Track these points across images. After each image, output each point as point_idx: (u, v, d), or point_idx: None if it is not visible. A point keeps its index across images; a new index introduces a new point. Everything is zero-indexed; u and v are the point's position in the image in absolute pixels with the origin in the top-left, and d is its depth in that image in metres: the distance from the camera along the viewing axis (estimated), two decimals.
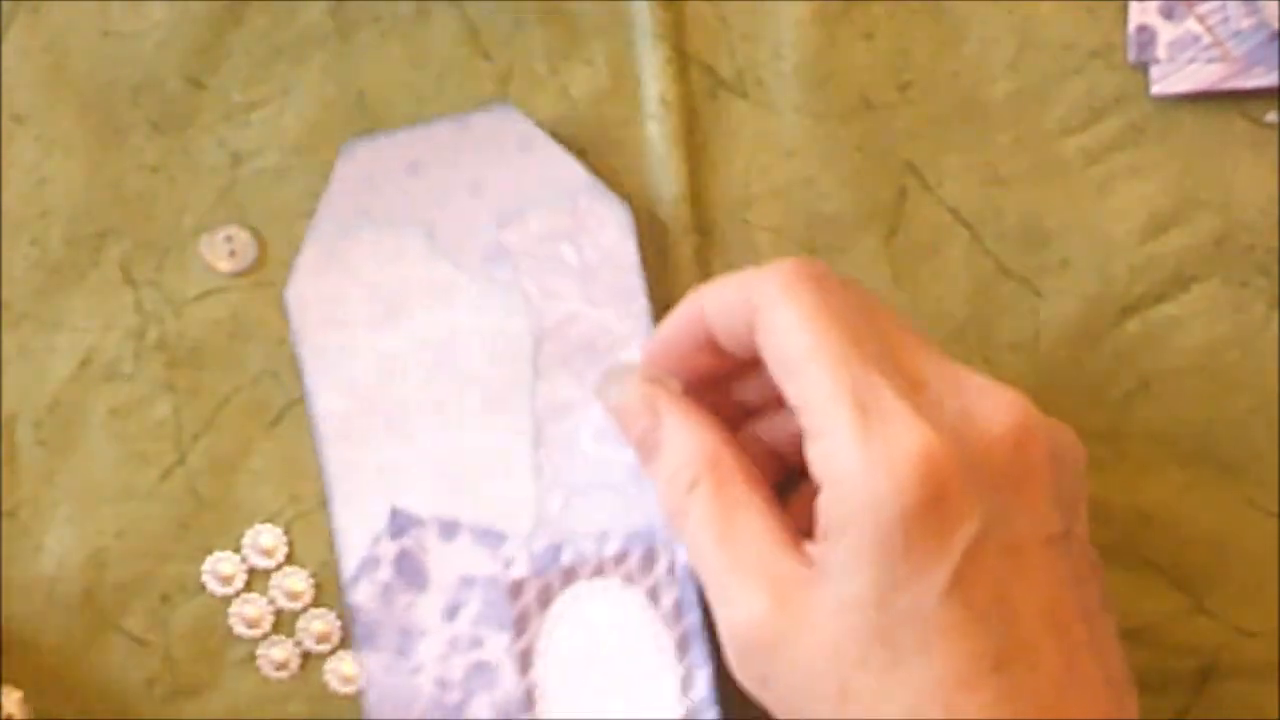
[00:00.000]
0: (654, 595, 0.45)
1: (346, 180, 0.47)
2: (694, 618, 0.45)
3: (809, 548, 0.39)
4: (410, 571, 0.46)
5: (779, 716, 0.39)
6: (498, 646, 0.45)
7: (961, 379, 0.39)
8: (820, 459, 0.38)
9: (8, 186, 0.48)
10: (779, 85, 0.48)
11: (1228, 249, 0.47)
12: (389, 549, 0.46)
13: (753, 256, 0.47)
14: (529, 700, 0.45)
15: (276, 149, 0.48)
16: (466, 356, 0.46)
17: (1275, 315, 0.47)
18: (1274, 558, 0.46)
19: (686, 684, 0.45)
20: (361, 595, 0.46)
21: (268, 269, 0.48)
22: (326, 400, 0.46)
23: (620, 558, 0.45)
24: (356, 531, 0.46)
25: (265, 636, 0.47)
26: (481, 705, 0.45)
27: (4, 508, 0.47)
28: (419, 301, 0.46)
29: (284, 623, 0.47)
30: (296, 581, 0.47)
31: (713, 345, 0.42)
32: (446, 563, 0.46)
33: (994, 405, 0.38)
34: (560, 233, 0.46)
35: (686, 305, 0.42)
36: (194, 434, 0.48)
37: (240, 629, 0.47)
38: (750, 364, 0.41)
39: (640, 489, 0.45)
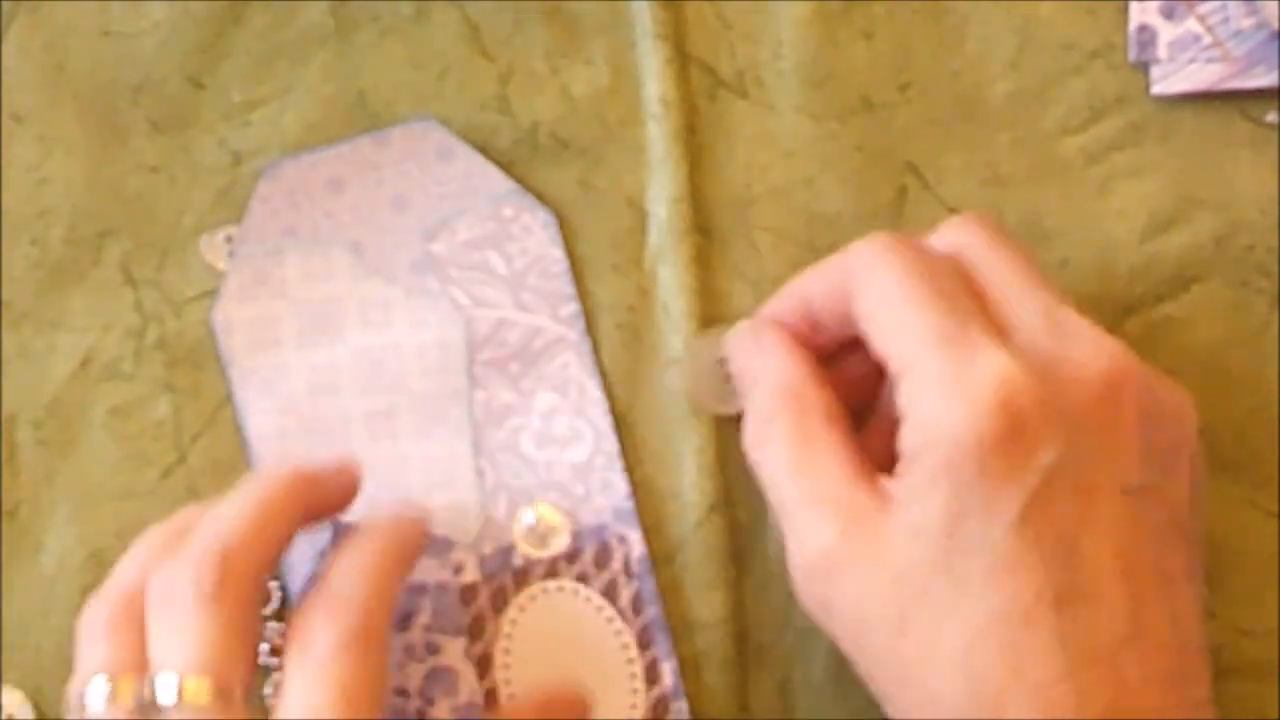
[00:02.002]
0: (611, 592, 0.45)
1: (269, 200, 0.47)
2: (654, 610, 0.45)
3: (884, 482, 0.39)
4: None
5: (841, 644, 0.40)
6: (454, 652, 0.45)
7: (1068, 326, 0.39)
8: (906, 395, 0.38)
9: (8, 186, 0.48)
10: (779, 85, 0.48)
11: (1228, 249, 0.47)
12: None
13: (753, 256, 0.47)
14: (491, 700, 0.45)
15: (276, 149, 0.48)
16: (401, 369, 0.46)
17: (1275, 315, 0.47)
18: (1274, 558, 0.46)
19: (651, 676, 0.45)
20: None
21: None
22: (259, 421, 0.46)
23: (572, 556, 0.45)
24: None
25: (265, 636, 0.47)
26: (443, 710, 0.45)
27: (4, 508, 0.47)
28: (350, 318, 0.46)
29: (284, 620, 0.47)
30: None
31: (811, 328, 0.43)
32: None
33: (1091, 351, 0.38)
34: (487, 241, 0.47)
35: (790, 286, 0.43)
36: (194, 434, 0.48)
37: None
38: (845, 345, 0.43)
39: (587, 488, 0.46)
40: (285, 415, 0.46)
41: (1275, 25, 0.46)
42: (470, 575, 0.46)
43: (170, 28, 0.48)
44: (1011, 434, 0.37)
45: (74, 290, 0.48)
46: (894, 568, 0.38)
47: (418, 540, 0.43)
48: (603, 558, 0.45)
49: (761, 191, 0.47)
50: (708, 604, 0.46)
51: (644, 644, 0.45)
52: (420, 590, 0.45)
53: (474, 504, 0.46)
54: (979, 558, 0.37)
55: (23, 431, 0.48)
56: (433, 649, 0.45)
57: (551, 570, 0.45)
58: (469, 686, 0.45)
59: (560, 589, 0.45)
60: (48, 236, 0.48)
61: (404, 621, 0.45)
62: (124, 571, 0.41)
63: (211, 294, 0.48)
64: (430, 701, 0.45)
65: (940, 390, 0.38)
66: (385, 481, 0.46)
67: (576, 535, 0.45)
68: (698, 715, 0.46)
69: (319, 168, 0.47)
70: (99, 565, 0.47)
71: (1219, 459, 0.46)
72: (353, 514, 0.44)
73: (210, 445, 0.47)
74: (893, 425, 0.39)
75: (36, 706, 0.47)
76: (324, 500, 0.43)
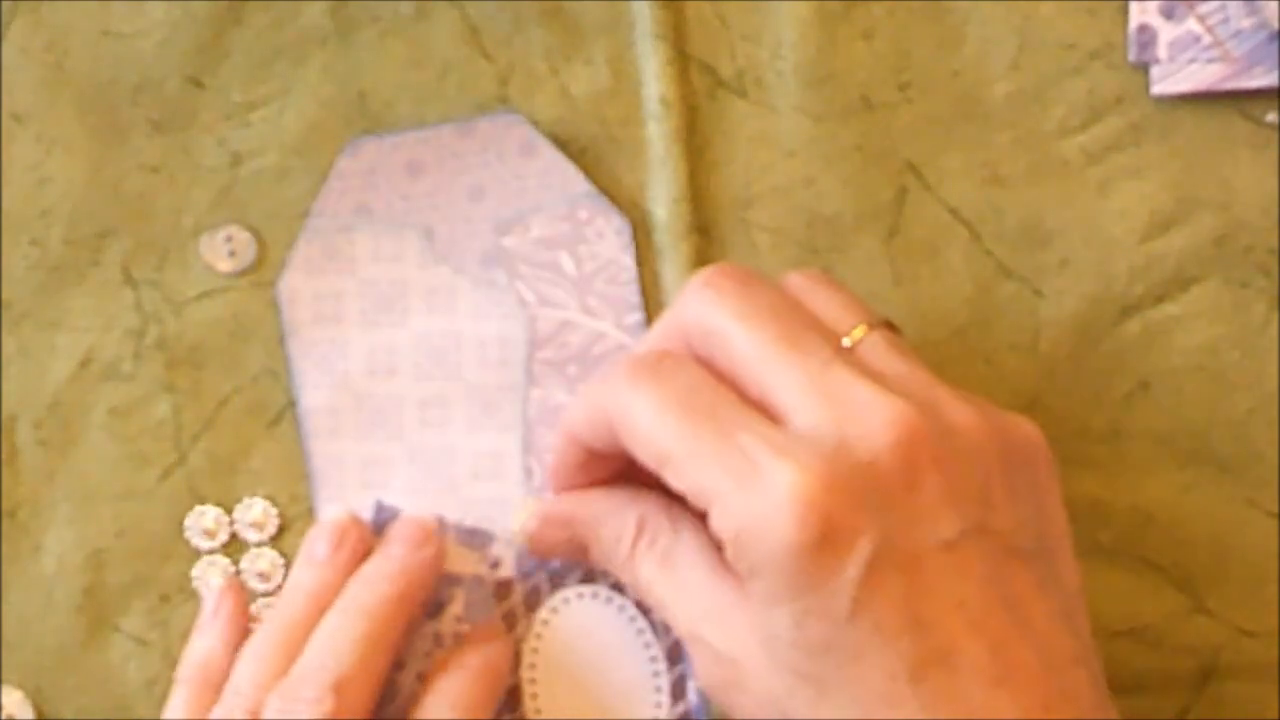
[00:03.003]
0: (643, 604, 0.45)
1: (346, 177, 0.47)
2: None
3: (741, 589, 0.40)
4: None
5: None
6: None
7: (840, 393, 0.38)
8: (717, 527, 0.39)
9: (8, 186, 0.48)
10: (779, 85, 0.48)
11: (1228, 249, 0.47)
12: (373, 544, 0.45)
13: (753, 256, 0.47)
14: (515, 699, 0.45)
15: (276, 149, 0.48)
16: (460, 358, 0.46)
17: (1275, 315, 0.47)
18: (1274, 558, 0.46)
19: (677, 691, 0.45)
20: None
21: (267, 269, 0.48)
22: (314, 395, 0.46)
23: None
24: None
25: None
26: None
27: (4, 508, 0.47)
28: (415, 302, 0.46)
29: None
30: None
31: (599, 458, 0.43)
32: None
33: (874, 420, 0.38)
34: (559, 241, 0.46)
35: (559, 435, 0.44)
36: (194, 434, 0.48)
37: None
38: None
39: None
40: (340, 391, 0.46)
41: (1275, 25, 0.46)
42: (507, 571, 0.45)
43: (170, 28, 0.48)
44: (822, 539, 0.37)
45: (74, 290, 0.48)
46: (765, 676, 0.38)
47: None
48: None
49: (761, 191, 0.47)
50: None
51: (674, 659, 0.45)
52: (455, 580, 0.45)
53: (519, 501, 0.46)
54: (829, 657, 0.37)
55: (23, 431, 0.48)
56: (462, 640, 0.45)
57: (588, 576, 0.45)
58: None
59: (595, 595, 0.45)
60: (48, 236, 0.48)
61: (435, 610, 0.45)
62: (239, 685, 0.43)
63: (212, 294, 0.48)
64: None
65: (743, 516, 0.38)
66: (431, 468, 0.46)
67: None
68: (696, 715, 0.46)
69: (400, 150, 0.47)
70: (99, 565, 0.47)
71: (1219, 459, 0.46)
72: (398, 496, 0.45)
73: (210, 445, 0.47)
74: None
75: (36, 706, 0.47)
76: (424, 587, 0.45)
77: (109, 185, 0.48)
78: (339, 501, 0.46)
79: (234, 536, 0.47)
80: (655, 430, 0.40)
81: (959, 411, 0.39)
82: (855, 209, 0.47)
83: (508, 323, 0.46)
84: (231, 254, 0.48)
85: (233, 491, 0.47)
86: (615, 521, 0.43)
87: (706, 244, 0.47)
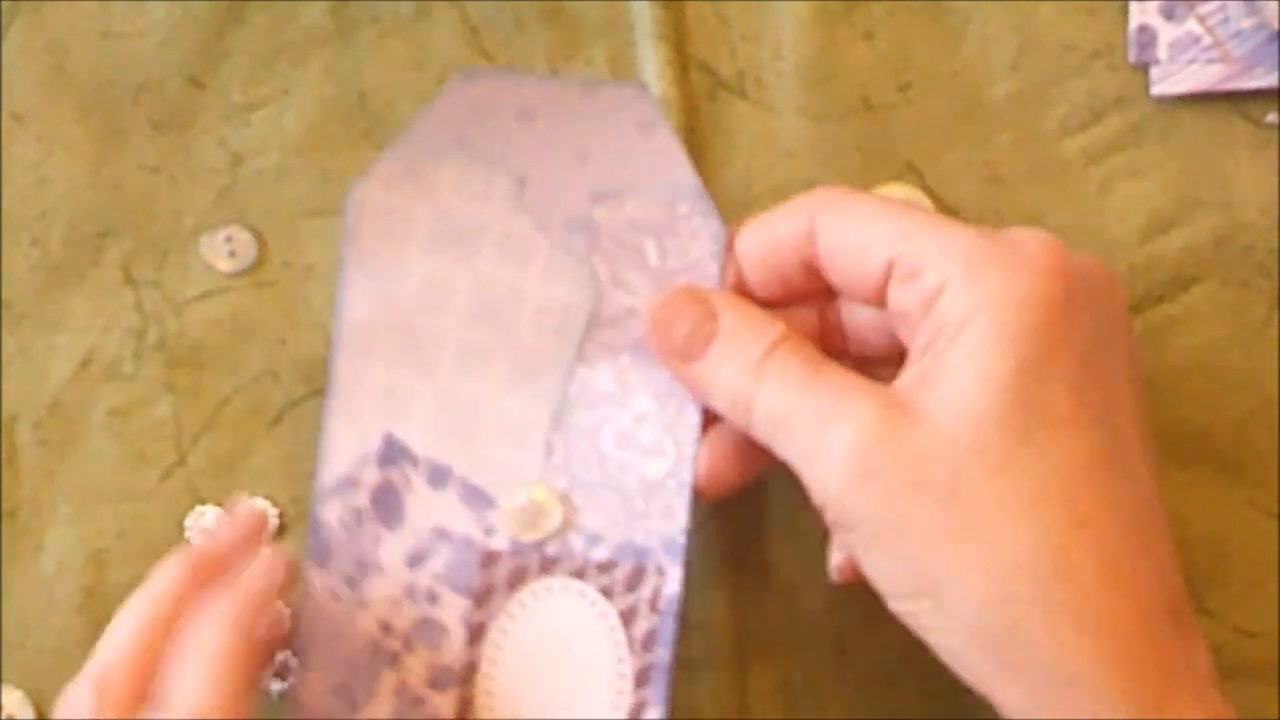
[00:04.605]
0: (629, 617, 0.43)
1: (452, 105, 0.44)
2: (663, 653, 0.43)
3: (910, 373, 0.39)
4: (387, 506, 0.44)
5: (877, 526, 0.38)
6: (453, 610, 0.44)
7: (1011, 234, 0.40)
8: (943, 270, 0.39)
9: (8, 186, 0.48)
10: (779, 85, 0.48)
11: (1228, 249, 0.47)
12: (372, 475, 0.44)
13: None
14: (469, 674, 0.43)
15: (276, 149, 0.48)
16: (516, 315, 0.44)
17: (1275, 315, 0.47)
18: (1274, 558, 0.46)
19: (634, 716, 0.43)
20: (330, 513, 0.44)
21: (268, 269, 0.48)
22: (356, 307, 0.44)
23: (606, 566, 0.44)
24: (345, 446, 0.44)
25: None
26: (419, 662, 0.43)
27: (4, 508, 0.47)
28: (487, 245, 0.44)
29: None
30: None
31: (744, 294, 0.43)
32: (426, 509, 0.44)
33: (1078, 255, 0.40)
34: (650, 227, 0.44)
35: (745, 240, 0.43)
36: (194, 434, 0.48)
37: None
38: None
39: (649, 506, 0.44)
40: (385, 310, 0.44)
41: (1275, 26, 0.46)
42: (499, 542, 0.44)
43: (170, 28, 0.48)
44: (1066, 299, 0.38)
45: (74, 290, 0.48)
46: (945, 432, 0.37)
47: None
48: (634, 581, 0.44)
49: (761, 191, 0.47)
50: (708, 604, 0.46)
51: (640, 682, 0.43)
52: (443, 536, 0.44)
53: (533, 475, 0.44)
54: (1037, 414, 0.37)
55: (23, 431, 0.48)
56: (433, 598, 0.44)
57: (581, 570, 0.44)
58: (453, 650, 0.44)
59: (582, 593, 0.44)
60: (48, 236, 0.48)
61: (415, 561, 0.44)
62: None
63: (212, 294, 0.48)
64: (409, 647, 0.44)
65: (988, 253, 0.38)
66: (454, 416, 0.44)
67: (619, 548, 0.44)
68: (698, 716, 0.46)
69: (515, 91, 0.44)
70: (99, 565, 0.47)
71: (1219, 459, 0.46)
72: (412, 434, 0.44)
73: (210, 445, 0.47)
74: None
75: (36, 706, 0.47)
76: (224, 566, 0.42)
77: (109, 185, 0.48)
78: (351, 421, 0.44)
79: None
80: (872, 207, 0.41)
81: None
82: None
83: (574, 294, 0.44)
84: (231, 254, 0.48)
85: (233, 491, 0.47)
86: (758, 323, 0.42)
87: None
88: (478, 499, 0.44)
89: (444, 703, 0.43)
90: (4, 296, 0.48)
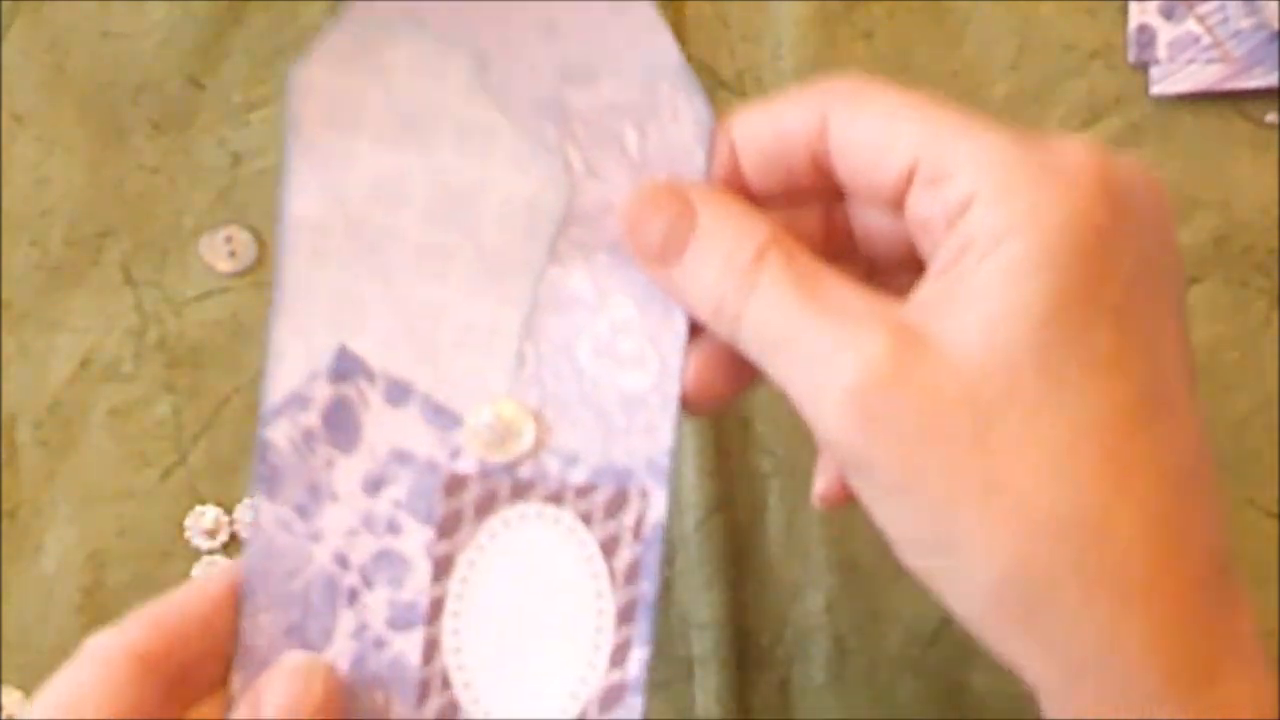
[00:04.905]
0: (610, 547, 0.39)
1: None
2: (648, 587, 0.39)
3: (922, 296, 0.34)
4: (341, 425, 0.40)
5: (890, 473, 0.34)
6: (416, 541, 0.39)
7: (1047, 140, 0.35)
8: (968, 184, 0.34)
9: (8, 186, 0.48)
10: (779, 85, 0.48)
11: (1228, 249, 0.47)
12: (324, 392, 0.40)
13: None
14: (434, 612, 0.39)
15: (276, 149, 0.48)
16: (479, 211, 0.40)
17: (1275, 315, 0.47)
18: (1274, 558, 0.46)
19: (618, 657, 0.39)
20: (278, 434, 0.39)
21: (268, 269, 0.48)
22: (304, 204, 0.39)
23: (584, 490, 0.39)
24: (294, 359, 0.39)
25: None
26: (380, 601, 0.39)
27: (4, 508, 0.47)
28: (445, 133, 0.40)
29: None
30: None
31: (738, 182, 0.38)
32: (385, 429, 0.40)
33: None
34: (629, 111, 0.39)
35: (748, 126, 0.38)
36: (194, 434, 0.48)
37: None
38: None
39: (630, 422, 0.40)
40: (334, 209, 0.40)
41: (1275, 26, 0.46)
42: (465, 465, 0.39)
43: (170, 28, 0.48)
44: (1113, 222, 0.33)
45: (74, 290, 0.48)
46: (972, 369, 0.32)
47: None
48: (615, 506, 0.39)
49: None
50: (708, 604, 0.46)
51: (623, 619, 0.39)
52: (404, 459, 0.39)
53: (501, 389, 0.40)
54: (1076, 353, 0.32)
55: (23, 431, 0.48)
56: (394, 528, 0.39)
57: (556, 495, 0.39)
58: (416, 585, 0.39)
59: (558, 520, 0.39)
60: (48, 236, 0.48)
61: (373, 487, 0.39)
62: None
63: (212, 294, 0.48)
64: (368, 584, 0.39)
65: (1028, 174, 0.33)
66: (413, 325, 0.40)
67: (598, 470, 0.39)
68: (697, 715, 0.46)
69: None
70: (99, 565, 0.47)
71: (1219, 459, 0.46)
72: (368, 346, 0.40)
73: (210, 445, 0.47)
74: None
75: None
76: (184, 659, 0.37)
77: (109, 185, 0.48)
78: (300, 333, 0.40)
79: (234, 536, 0.47)
80: (897, 102, 0.35)
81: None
82: None
83: (544, 186, 0.40)
84: (231, 254, 0.48)
85: (233, 491, 0.47)
86: (745, 223, 0.36)
87: None
88: (441, 417, 0.40)
89: (408, 644, 0.39)
90: (4, 296, 0.48)
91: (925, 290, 0.34)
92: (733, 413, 0.47)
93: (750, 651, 0.46)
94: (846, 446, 0.34)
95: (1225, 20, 0.46)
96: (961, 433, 0.33)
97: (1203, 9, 0.46)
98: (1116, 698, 0.32)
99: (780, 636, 0.46)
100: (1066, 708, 0.33)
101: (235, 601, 0.39)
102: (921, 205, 0.34)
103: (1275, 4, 0.46)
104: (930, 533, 0.33)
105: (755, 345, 0.35)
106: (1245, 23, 0.46)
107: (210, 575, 0.39)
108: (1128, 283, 0.33)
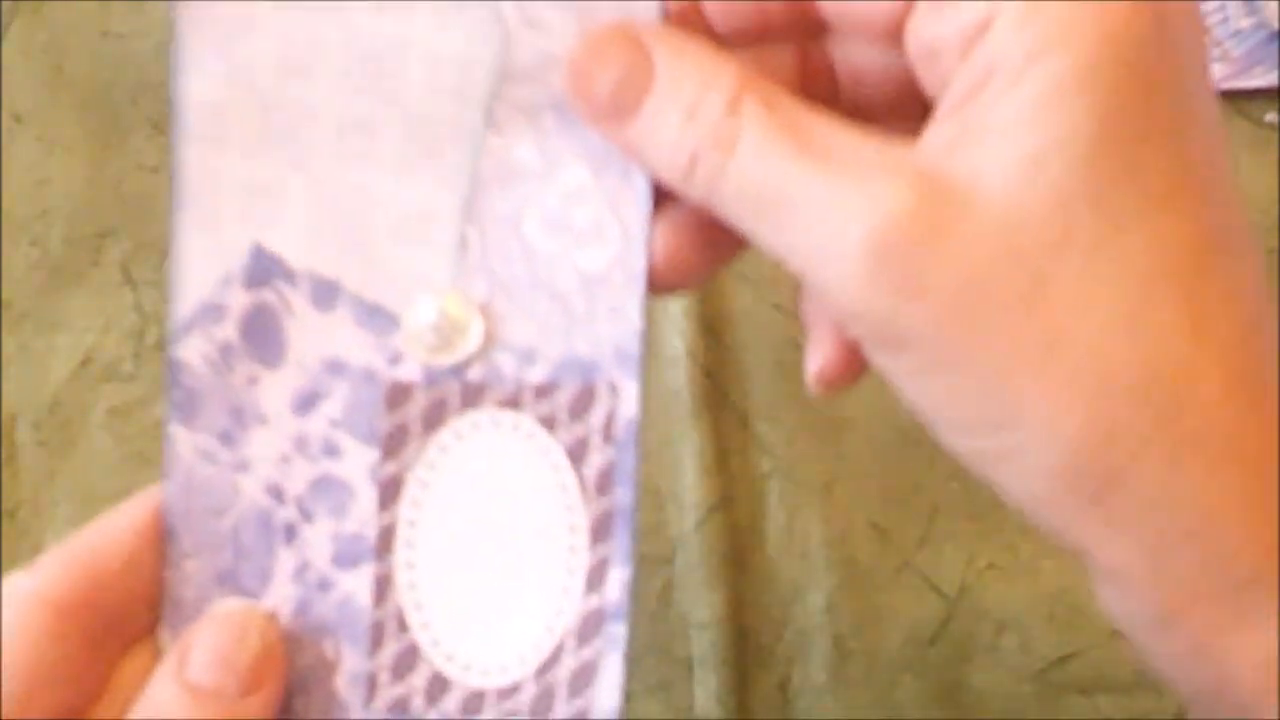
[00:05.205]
0: (578, 453, 0.34)
1: None
2: (624, 495, 0.34)
3: (934, 134, 0.29)
4: (262, 336, 0.35)
5: (927, 347, 0.29)
6: (358, 463, 0.35)
7: None
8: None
9: (8, 186, 0.48)
10: None
11: None
12: (240, 299, 0.35)
13: (752, 256, 0.47)
14: (384, 544, 0.34)
15: None
16: (402, 76, 0.34)
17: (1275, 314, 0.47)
18: None
19: (594, 579, 0.34)
20: (190, 352, 0.35)
21: None
22: (200, 85, 0.34)
23: (545, 390, 0.35)
24: (202, 265, 0.34)
25: None
26: (321, 535, 0.34)
27: (4, 508, 0.47)
28: None
29: None
30: None
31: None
32: (313, 337, 0.35)
33: None
34: None
35: None
36: None
37: None
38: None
39: (592, 306, 0.35)
40: (237, 88, 0.34)
41: (1274, 25, 0.46)
42: (408, 371, 0.34)
43: (170, 28, 0.48)
44: (1157, 33, 0.28)
45: (74, 290, 0.48)
46: (1014, 215, 0.28)
47: None
48: (581, 405, 0.35)
49: None
50: (708, 604, 0.46)
51: (598, 535, 0.34)
52: (338, 370, 0.35)
53: (442, 281, 0.34)
54: (1134, 182, 0.28)
55: (23, 431, 0.48)
56: (331, 451, 0.35)
57: (513, 398, 0.34)
58: (362, 514, 0.35)
59: (516, 427, 0.34)
60: (48, 237, 0.48)
61: (305, 405, 0.34)
62: None
63: None
64: (307, 517, 0.35)
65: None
66: (338, 214, 0.34)
67: (559, 365, 0.34)
68: (697, 715, 0.46)
69: None
70: None
71: None
72: (287, 242, 0.34)
73: None
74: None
75: None
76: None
77: (109, 185, 0.48)
78: (207, 232, 0.35)
79: None
80: None
81: None
82: None
83: (475, 42, 0.34)
84: None
85: None
86: (710, 65, 0.31)
87: None
88: (376, 319, 0.35)
89: (356, 583, 0.34)
90: (4, 296, 0.48)
91: (939, 130, 0.29)
92: (733, 413, 0.47)
93: (750, 651, 0.46)
94: (872, 318, 0.29)
95: (1225, 20, 0.46)
96: (1011, 289, 0.28)
97: (1203, 9, 0.46)
98: (1207, 577, 0.28)
99: (780, 636, 0.46)
100: (1147, 596, 0.29)
101: (161, 534, 0.34)
102: (926, 31, 0.30)
103: (1275, 4, 0.46)
104: (982, 409, 0.29)
105: (739, 209, 0.30)
106: (1245, 22, 0.46)
107: (126, 506, 0.34)
108: (1176, 102, 0.28)
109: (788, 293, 0.47)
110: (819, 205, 0.29)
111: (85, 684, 0.32)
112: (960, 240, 0.28)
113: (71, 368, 0.48)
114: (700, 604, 0.46)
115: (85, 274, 0.48)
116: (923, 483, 0.46)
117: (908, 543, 0.46)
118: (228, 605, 0.34)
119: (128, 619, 0.33)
